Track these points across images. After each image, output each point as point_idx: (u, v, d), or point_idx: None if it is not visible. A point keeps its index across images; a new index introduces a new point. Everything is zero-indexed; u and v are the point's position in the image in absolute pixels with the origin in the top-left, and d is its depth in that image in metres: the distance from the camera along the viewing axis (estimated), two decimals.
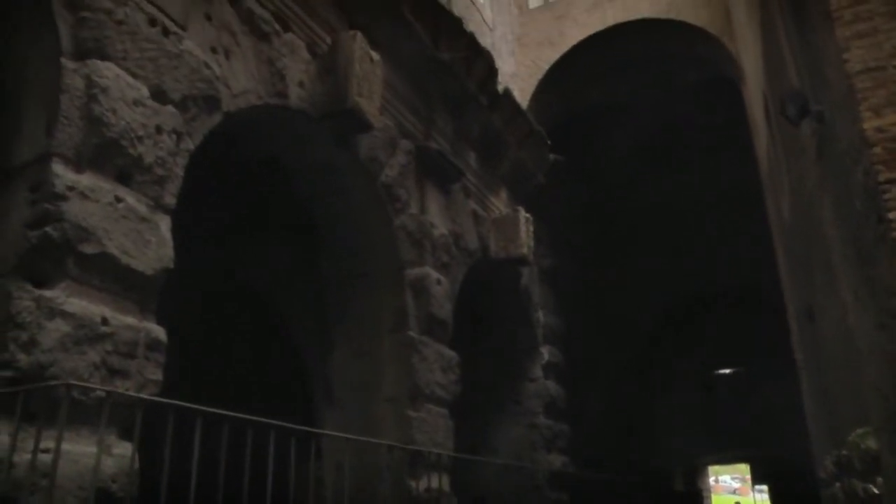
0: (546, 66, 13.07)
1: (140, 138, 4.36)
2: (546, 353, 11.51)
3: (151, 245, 4.34)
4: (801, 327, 9.07)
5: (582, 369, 13.39)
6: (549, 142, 11.28)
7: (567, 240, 13.62)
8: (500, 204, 10.38)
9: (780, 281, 11.34)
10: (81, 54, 4.22)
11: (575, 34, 13.27)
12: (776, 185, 9.45)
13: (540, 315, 11.62)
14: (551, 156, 11.51)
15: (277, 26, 6.03)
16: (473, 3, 11.16)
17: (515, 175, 10.90)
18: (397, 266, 7.58)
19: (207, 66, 5.11)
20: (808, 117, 5.09)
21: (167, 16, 4.84)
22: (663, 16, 12.74)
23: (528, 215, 9.97)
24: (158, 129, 4.54)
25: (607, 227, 16.93)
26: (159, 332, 4.30)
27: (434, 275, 7.82)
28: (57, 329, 3.63)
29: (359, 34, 6.47)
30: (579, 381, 13.04)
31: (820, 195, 5.59)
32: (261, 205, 8.19)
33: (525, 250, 9.68)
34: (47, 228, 3.74)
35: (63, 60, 4.13)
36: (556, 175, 11.88)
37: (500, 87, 9.78)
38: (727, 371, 19.40)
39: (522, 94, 12.39)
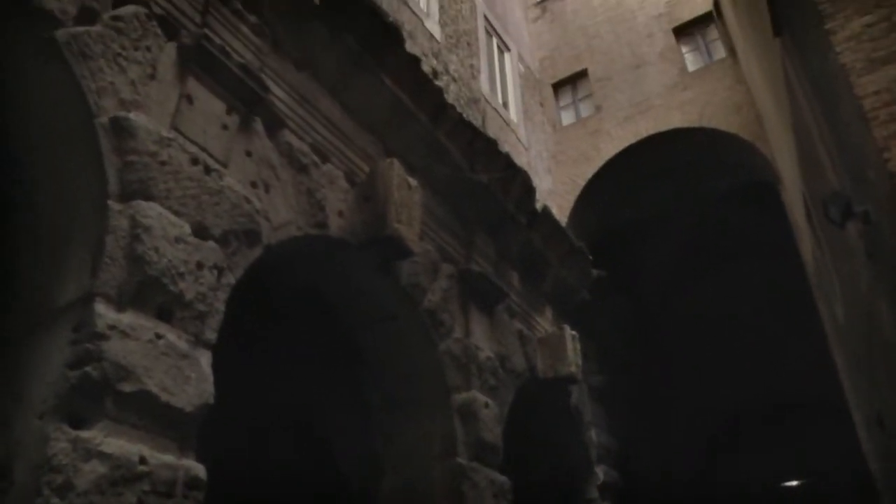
0: (583, 182, 13.22)
1: (181, 275, 4.41)
2: (601, 473, 11.04)
3: (191, 381, 4.30)
4: (872, 435, 8.60)
5: (639, 488, 12.79)
6: (590, 257, 11.23)
7: (615, 355, 13.33)
8: (545, 322, 10.24)
9: (843, 386, 10.88)
10: (127, 196, 4.34)
11: (609, 148, 13.49)
12: (827, 288, 9.21)
13: (592, 434, 11.22)
14: (594, 271, 11.43)
15: (316, 158, 6.20)
16: (508, 124, 11.44)
17: (559, 292, 10.80)
18: (444, 391, 7.42)
19: (248, 200, 5.23)
20: (852, 219, 4.98)
21: (209, 154, 5.01)
22: (695, 125, 12.95)
23: (574, 333, 9.80)
24: (199, 265, 4.60)
25: (655, 339, 16.62)
26: (199, 470, 4.20)
27: (482, 399, 7.63)
28: (93, 471, 3.55)
29: (395, 161, 6.61)
30: (637, 500, 12.44)
31: (876, 297, 5.40)
32: (303, 333, 8.18)
33: (573, 369, 9.46)
34: (87, 368, 3.73)
35: (110, 203, 4.26)
36: (599, 290, 11.76)
37: (539, 206, 9.85)
38: (794, 483, 18.40)
39: (561, 211, 12.48)
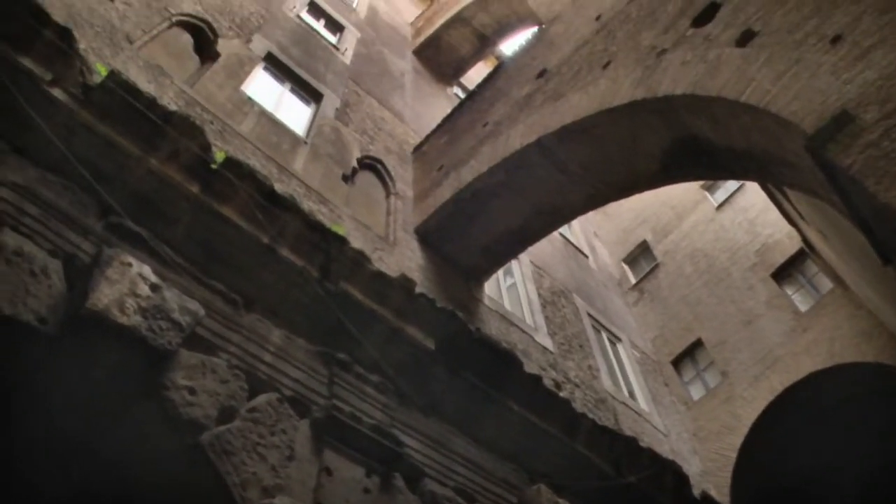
0: (733, 454, 12.37)
1: None
2: None
3: None
4: None
5: None
6: None
7: None
8: None
9: None
10: None
11: (749, 412, 12.80)
12: None
13: None
14: None
15: (461, 500, 6.02)
16: (640, 415, 11.06)
17: None
18: None
19: None
20: None
21: None
22: (829, 364, 12.28)
23: None
24: None
25: None
26: None
27: None
28: None
29: (542, 486, 6.40)
30: None
31: None
32: None
33: None
34: None
35: None
36: None
37: (696, 491, 9.13)
38: None
39: (719, 490, 11.56)
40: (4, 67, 4.59)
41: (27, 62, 4.70)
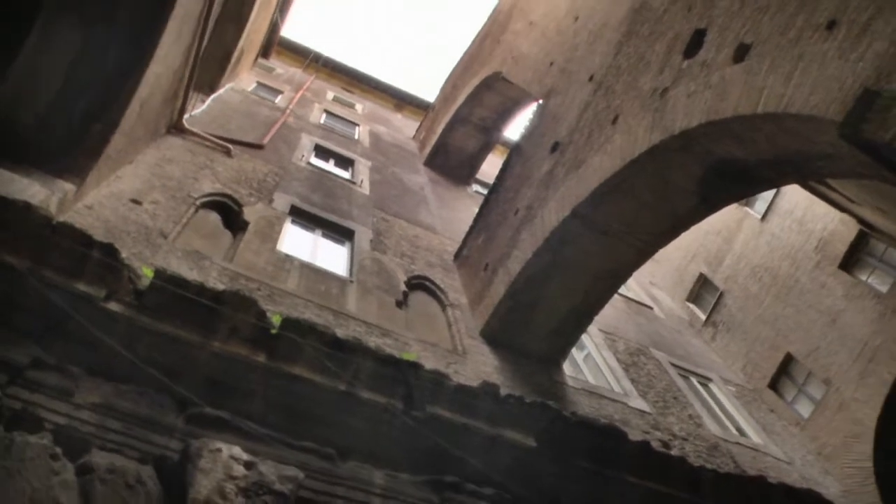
0: (869, 464, 11.60)
1: None
2: None
3: None
4: None
5: None
6: None
7: None
8: None
9: None
10: None
11: (868, 411, 12.06)
12: None
13: None
14: None
15: None
16: (757, 450, 10.55)
17: None
18: None
19: None
20: None
21: None
22: None
23: None
24: None
25: None
26: None
27: None
28: None
29: None
30: None
31: None
32: None
33: None
34: None
35: None
36: None
37: None
38: None
39: None
40: (64, 296, 4.76)
41: (82, 286, 4.88)
